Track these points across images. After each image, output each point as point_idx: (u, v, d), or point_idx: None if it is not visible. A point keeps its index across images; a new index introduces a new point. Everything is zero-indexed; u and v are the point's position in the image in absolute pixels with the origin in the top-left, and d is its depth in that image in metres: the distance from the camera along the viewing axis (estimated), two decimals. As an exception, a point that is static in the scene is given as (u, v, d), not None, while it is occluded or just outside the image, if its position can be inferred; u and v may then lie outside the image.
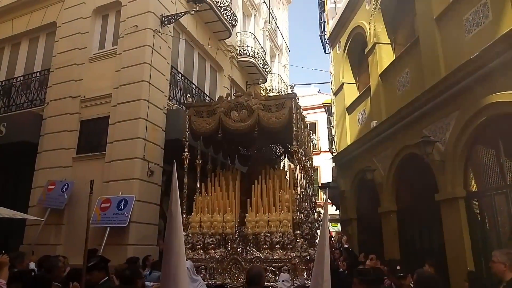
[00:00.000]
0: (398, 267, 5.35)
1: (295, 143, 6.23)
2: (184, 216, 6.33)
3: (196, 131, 6.82)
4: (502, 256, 3.62)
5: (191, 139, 6.92)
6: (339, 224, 17.53)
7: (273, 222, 5.90)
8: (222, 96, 7.08)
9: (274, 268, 5.57)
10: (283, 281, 5.13)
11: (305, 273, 5.51)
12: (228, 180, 6.79)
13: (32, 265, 5.37)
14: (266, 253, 5.70)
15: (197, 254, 6.01)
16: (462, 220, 6.49)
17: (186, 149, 6.75)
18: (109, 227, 7.74)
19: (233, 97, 6.87)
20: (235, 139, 7.43)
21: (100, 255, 5.66)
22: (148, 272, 6.31)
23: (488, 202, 6.24)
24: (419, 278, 3.64)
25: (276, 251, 5.69)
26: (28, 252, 7.21)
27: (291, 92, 6.54)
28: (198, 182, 6.89)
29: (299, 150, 6.46)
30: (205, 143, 7.45)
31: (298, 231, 5.84)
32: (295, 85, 7.05)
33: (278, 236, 5.74)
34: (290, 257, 5.55)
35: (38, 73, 10.65)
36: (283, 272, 5.45)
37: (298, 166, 6.59)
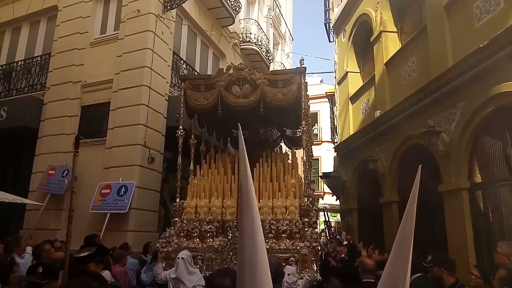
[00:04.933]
0: None
1: (304, 122, 5.79)
2: (178, 201, 6.04)
3: (192, 107, 6.13)
4: (509, 248, 3.55)
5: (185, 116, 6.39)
6: (338, 214, 17.59)
7: (278, 208, 5.44)
8: (222, 69, 6.40)
9: (280, 259, 4.90)
10: (288, 274, 4.59)
11: (315, 265, 5.09)
12: (225, 162, 6.28)
13: (29, 250, 5.35)
14: (272, 243, 5.21)
15: (193, 243, 5.49)
16: (465, 212, 6.42)
17: (181, 126, 6.27)
18: (109, 213, 7.71)
19: (234, 70, 6.19)
20: (231, 119, 6.77)
21: (98, 243, 5.49)
22: (150, 260, 6.26)
23: (493, 193, 6.16)
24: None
25: (283, 240, 5.25)
26: (26, 236, 7.21)
27: (300, 67, 5.86)
28: (192, 164, 6.44)
29: (308, 130, 5.99)
30: (200, 121, 6.92)
31: (306, 219, 5.43)
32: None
33: (285, 224, 5.27)
34: (298, 247, 5.10)
35: (39, 57, 10.53)
36: (291, 264, 5.00)
37: (305, 149, 6.04)
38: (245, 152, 1.55)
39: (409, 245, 1.89)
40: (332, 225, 20.45)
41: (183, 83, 6.31)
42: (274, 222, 5.34)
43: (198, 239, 5.55)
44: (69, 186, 8.46)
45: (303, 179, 5.96)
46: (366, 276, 3.99)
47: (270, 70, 6.38)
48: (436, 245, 6.61)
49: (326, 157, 22.40)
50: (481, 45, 5.86)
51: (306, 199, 5.70)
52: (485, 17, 6.21)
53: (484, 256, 6.04)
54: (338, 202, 14.09)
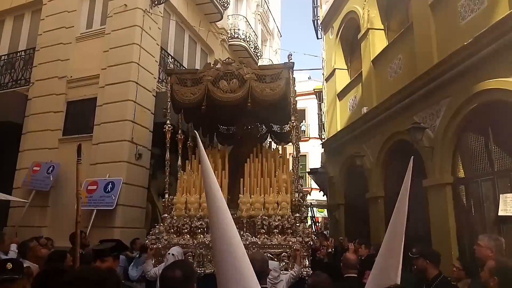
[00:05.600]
0: None
1: (293, 117, 5.79)
2: (167, 196, 5.99)
3: (179, 102, 6.02)
4: (490, 241, 3.62)
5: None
6: (325, 210, 17.76)
7: (270, 204, 5.42)
8: (210, 63, 6.30)
9: (272, 254, 5.09)
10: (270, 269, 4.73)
11: (306, 260, 5.12)
12: (215, 157, 6.18)
13: (13, 247, 5.28)
14: (264, 238, 5.23)
15: (183, 240, 5.46)
16: (448, 206, 6.56)
17: (168, 121, 6.19)
18: (95, 210, 7.65)
19: (222, 64, 6.12)
20: (219, 114, 6.77)
21: (117, 239, 5.37)
22: (138, 255, 6.25)
23: (475, 188, 6.30)
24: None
25: (275, 236, 5.25)
26: (11, 233, 7.10)
27: (288, 62, 5.81)
28: (180, 160, 6.43)
29: (297, 126, 6.01)
30: (186, 116, 6.86)
31: (298, 214, 5.46)
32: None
33: (277, 220, 5.27)
34: (291, 242, 5.13)
35: (23, 52, 10.34)
36: (283, 260, 5.05)
37: (294, 144, 6.02)
38: (205, 154, 1.68)
39: (401, 236, 1.93)
40: (319, 221, 20.66)
41: (169, 78, 6.24)
42: (266, 217, 5.34)
43: (188, 236, 5.51)
44: (54, 183, 8.37)
45: (294, 175, 5.97)
46: (349, 271, 4.06)
47: (258, 65, 6.33)
48: (420, 238, 6.72)
49: (313, 153, 22.52)
50: (465, 43, 5.98)
51: (297, 195, 5.72)
52: (469, 16, 6.33)
53: (466, 249, 6.19)
54: (325, 198, 14.23)
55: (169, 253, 4.88)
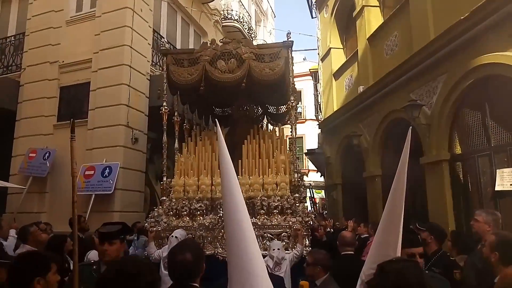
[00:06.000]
0: None
1: (292, 97, 5.76)
2: (165, 179, 5.97)
3: (175, 83, 5.90)
4: (488, 216, 3.63)
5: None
6: (323, 191, 17.88)
7: (269, 185, 5.41)
8: (207, 43, 6.16)
9: (272, 235, 5.14)
10: (276, 249, 4.70)
11: (307, 240, 5.17)
12: (212, 139, 6.14)
13: (12, 232, 5.29)
14: (263, 219, 5.22)
15: (183, 222, 5.46)
16: (445, 182, 6.60)
17: (164, 103, 6.07)
18: (94, 194, 7.65)
19: (219, 44, 6.00)
20: (214, 96, 6.65)
21: (122, 222, 5.34)
22: (136, 237, 6.30)
23: (472, 164, 6.33)
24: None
25: (275, 216, 5.25)
26: (10, 220, 7.11)
27: (286, 40, 5.71)
28: (177, 142, 6.35)
29: (296, 106, 5.98)
30: (182, 98, 6.77)
31: (297, 195, 5.47)
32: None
33: (276, 200, 5.26)
34: (290, 222, 5.14)
35: (12, 37, 10.15)
36: (283, 239, 5.08)
37: (293, 124, 5.97)
38: (226, 148, 1.69)
39: (400, 210, 1.92)
40: (317, 202, 20.82)
41: (165, 58, 6.11)
42: (265, 198, 5.33)
43: (188, 218, 5.50)
44: (51, 169, 8.34)
45: (292, 155, 5.96)
46: (345, 249, 4.09)
47: (256, 44, 6.25)
48: (417, 215, 6.79)
49: (310, 135, 22.49)
50: (462, 17, 5.90)
51: (296, 175, 5.70)
52: (466, -11, 6.22)
53: (463, 224, 6.26)
54: (322, 179, 14.29)
55: (172, 236, 4.91)
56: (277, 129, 6.89)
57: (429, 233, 3.97)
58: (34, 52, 9.38)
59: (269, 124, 8.44)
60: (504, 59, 5.32)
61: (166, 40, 10.19)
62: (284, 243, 5.12)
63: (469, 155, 6.45)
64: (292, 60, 5.94)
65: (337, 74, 11.84)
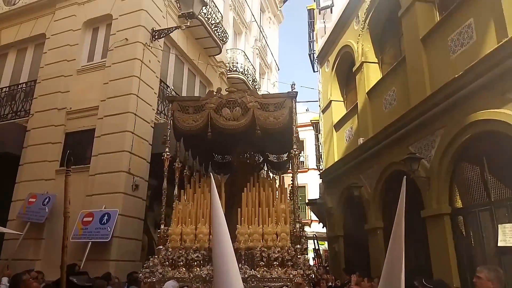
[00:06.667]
0: None
1: (295, 146, 5.80)
2: (162, 227, 5.86)
3: (180, 128, 6.01)
4: (490, 273, 3.55)
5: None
6: (326, 242, 17.46)
7: (269, 235, 5.26)
8: (212, 91, 6.39)
9: None
10: None
11: None
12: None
13: (4, 280, 5.17)
14: (263, 271, 5.03)
15: (179, 273, 5.24)
16: (447, 237, 6.50)
17: (167, 149, 6.12)
18: (90, 242, 7.52)
19: (225, 93, 6.16)
20: (215, 143, 6.66)
21: (84, 270, 5.30)
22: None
23: (473, 218, 6.27)
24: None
25: (275, 268, 5.06)
26: (3, 266, 6.95)
27: (291, 91, 5.91)
28: (176, 189, 6.26)
29: (299, 155, 6.07)
30: (185, 144, 6.84)
31: (298, 246, 5.33)
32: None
33: (276, 252, 5.10)
34: (291, 275, 4.93)
35: (24, 84, 10.51)
36: None
37: (296, 173, 5.99)
38: (217, 196, 1.81)
39: (400, 259, 1.88)
40: (321, 253, 20.24)
41: (170, 105, 6.26)
42: (265, 249, 5.17)
43: (184, 268, 5.31)
44: (49, 214, 8.27)
45: (293, 205, 5.89)
46: None
47: (261, 94, 6.46)
48: (421, 269, 6.61)
49: (312, 184, 22.42)
50: (456, 76, 6.14)
51: (297, 225, 5.60)
52: (459, 50, 6.53)
53: (468, 279, 6.07)
54: (325, 230, 14.03)
55: None
56: (276, 177, 6.90)
57: None
58: (44, 98, 9.67)
59: (269, 173, 8.48)
60: (498, 115, 5.46)
61: (172, 89, 10.53)
62: None
63: (470, 209, 6.40)
64: (296, 110, 6.08)
65: (338, 126, 12.07)
